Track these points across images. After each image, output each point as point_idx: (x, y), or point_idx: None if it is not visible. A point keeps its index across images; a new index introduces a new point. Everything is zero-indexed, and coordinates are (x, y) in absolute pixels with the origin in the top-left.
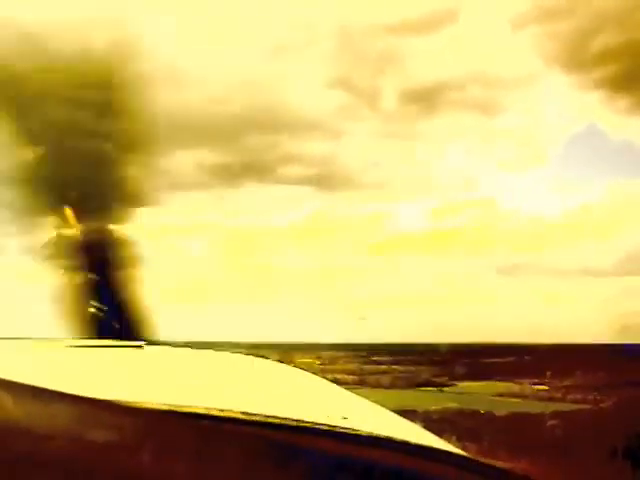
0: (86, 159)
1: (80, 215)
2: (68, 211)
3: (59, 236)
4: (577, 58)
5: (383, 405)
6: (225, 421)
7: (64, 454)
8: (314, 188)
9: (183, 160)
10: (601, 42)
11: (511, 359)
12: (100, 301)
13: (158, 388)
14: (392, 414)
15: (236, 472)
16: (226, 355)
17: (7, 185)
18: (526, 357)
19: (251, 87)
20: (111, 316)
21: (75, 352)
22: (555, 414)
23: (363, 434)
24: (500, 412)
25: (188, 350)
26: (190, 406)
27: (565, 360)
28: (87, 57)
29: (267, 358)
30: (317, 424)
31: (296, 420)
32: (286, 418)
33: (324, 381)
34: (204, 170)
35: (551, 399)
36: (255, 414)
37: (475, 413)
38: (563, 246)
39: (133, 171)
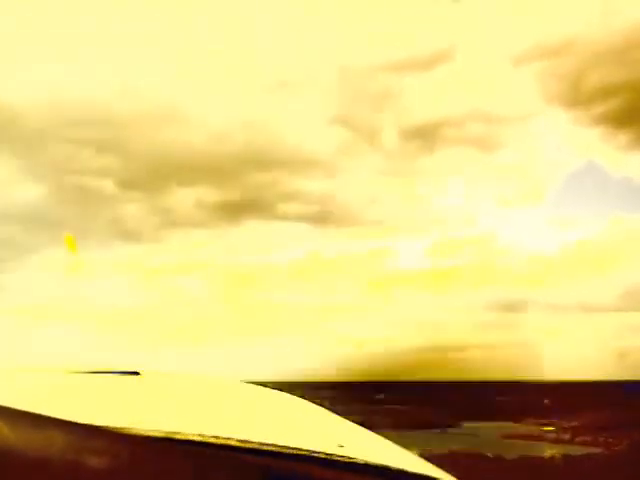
0: (86, 196)
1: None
2: (69, 238)
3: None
4: (576, 94)
5: None
6: (220, 448)
7: None
8: (313, 225)
9: (183, 198)
10: (600, 78)
11: (515, 397)
12: None
13: (153, 415)
14: (389, 442)
15: None
16: (222, 382)
17: (7, 222)
18: (529, 395)
19: (251, 125)
20: None
21: (71, 378)
22: (566, 458)
23: (359, 462)
24: (509, 455)
25: (185, 377)
26: (185, 433)
27: (569, 397)
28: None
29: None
30: (313, 452)
31: (292, 448)
32: (282, 446)
33: (320, 408)
34: (204, 208)
35: (559, 441)
36: (250, 441)
37: (482, 456)
38: (562, 282)
39: (133, 209)
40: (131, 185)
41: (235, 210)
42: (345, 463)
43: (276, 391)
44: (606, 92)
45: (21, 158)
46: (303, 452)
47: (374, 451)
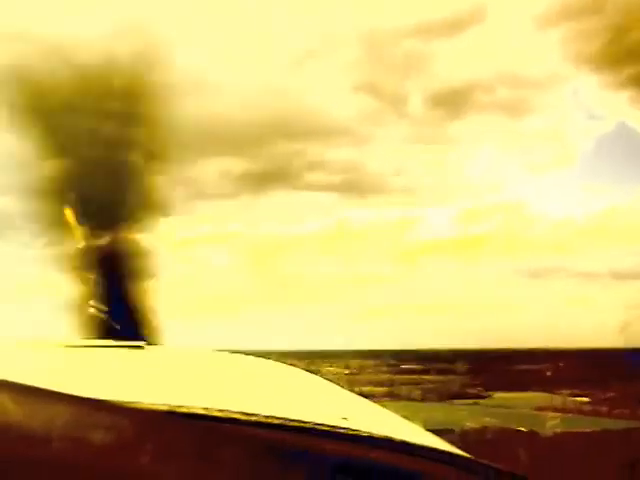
0: (111, 169)
1: (104, 224)
2: (69, 212)
3: (79, 247)
4: (607, 56)
5: (416, 421)
6: (224, 421)
7: (63, 455)
8: (341, 195)
9: (208, 169)
10: (632, 39)
11: (545, 366)
12: (111, 307)
13: (157, 388)
14: (393, 414)
15: (235, 473)
16: (225, 355)
17: (33, 197)
18: (560, 364)
19: (275, 94)
20: (120, 321)
21: (74, 352)
22: (606, 433)
23: (363, 434)
24: (545, 431)
25: (188, 350)
26: (189, 406)
27: (600, 366)
28: (113, 68)
29: (294, 366)
30: (317, 424)
31: (295, 420)
32: (285, 418)
33: (324, 381)
34: (229, 178)
35: (596, 414)
36: (254, 414)
37: (517, 432)
38: (592, 249)
39: (158, 180)
40: (156, 157)
41: (261, 180)
42: (349, 435)
43: (279, 363)
44: (637, 53)
45: (44, 132)
46: (307, 425)
47: (378, 423)
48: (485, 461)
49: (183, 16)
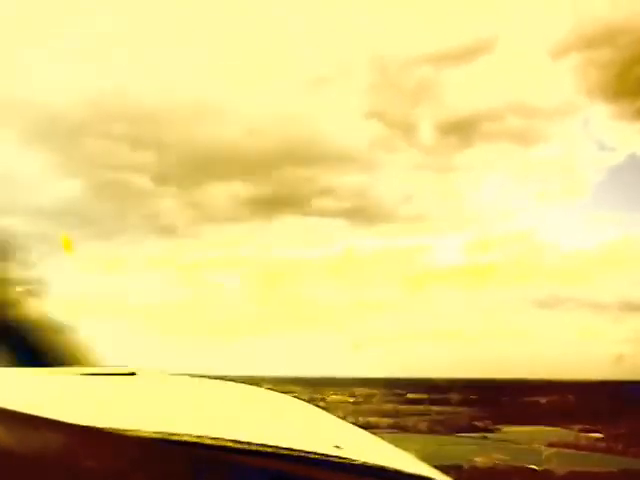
0: (121, 192)
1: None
2: (66, 238)
3: None
4: (618, 87)
5: (423, 456)
6: (217, 450)
7: None
8: (349, 221)
9: (217, 193)
10: None
11: (554, 398)
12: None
13: (150, 416)
14: (386, 444)
15: None
16: (220, 383)
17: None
18: (569, 396)
19: (286, 120)
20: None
21: (67, 379)
22: (626, 474)
23: (356, 463)
24: (558, 469)
25: (183, 378)
26: (182, 434)
27: (612, 399)
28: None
29: (296, 396)
30: (310, 453)
31: (289, 449)
32: (279, 447)
33: (316, 409)
34: (238, 203)
35: (611, 451)
36: (248, 443)
37: (530, 471)
38: (602, 279)
39: (168, 204)
40: (166, 180)
41: (269, 205)
42: (342, 464)
43: (272, 391)
44: None
45: (57, 154)
46: (300, 453)
47: (371, 452)
48: None
49: (195, 42)
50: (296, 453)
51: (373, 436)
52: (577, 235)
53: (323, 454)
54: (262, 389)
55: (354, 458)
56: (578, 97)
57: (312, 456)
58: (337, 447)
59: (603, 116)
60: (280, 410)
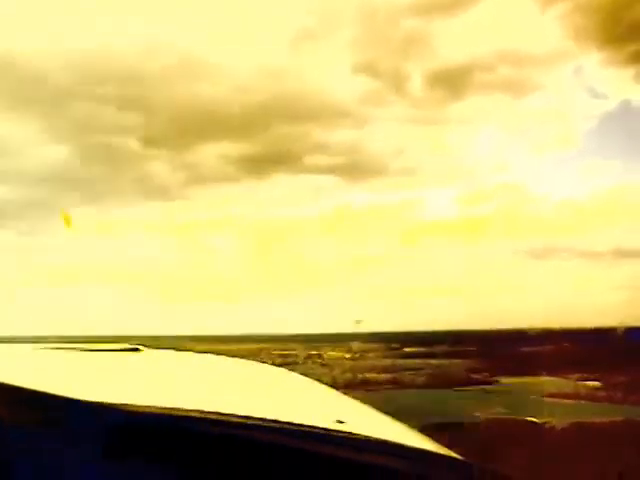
0: (111, 154)
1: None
2: (65, 213)
3: None
4: (608, 33)
5: (422, 411)
6: (220, 425)
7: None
8: (342, 177)
9: (209, 152)
10: (635, 14)
11: (550, 347)
12: None
13: (154, 391)
14: (387, 418)
15: (229, 475)
16: (223, 359)
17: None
18: (565, 344)
19: (275, 76)
20: None
21: (71, 354)
22: (629, 424)
23: (358, 437)
24: (561, 422)
25: (186, 354)
26: (185, 409)
27: (608, 346)
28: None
29: (295, 353)
30: (313, 428)
31: (293, 424)
32: (283, 422)
33: (318, 384)
34: (230, 162)
35: (611, 400)
36: (251, 418)
37: (530, 423)
38: (596, 228)
39: (158, 165)
40: (154, 142)
41: (262, 164)
42: (344, 438)
43: (275, 367)
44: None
45: (42, 119)
46: (303, 428)
47: (372, 426)
48: (475, 463)
49: (184, 2)
50: (300, 428)
51: (373, 410)
52: (570, 185)
53: (326, 429)
54: (265, 365)
55: (356, 432)
56: (568, 44)
57: (316, 431)
58: (339, 422)
59: (594, 63)
60: (283, 385)
